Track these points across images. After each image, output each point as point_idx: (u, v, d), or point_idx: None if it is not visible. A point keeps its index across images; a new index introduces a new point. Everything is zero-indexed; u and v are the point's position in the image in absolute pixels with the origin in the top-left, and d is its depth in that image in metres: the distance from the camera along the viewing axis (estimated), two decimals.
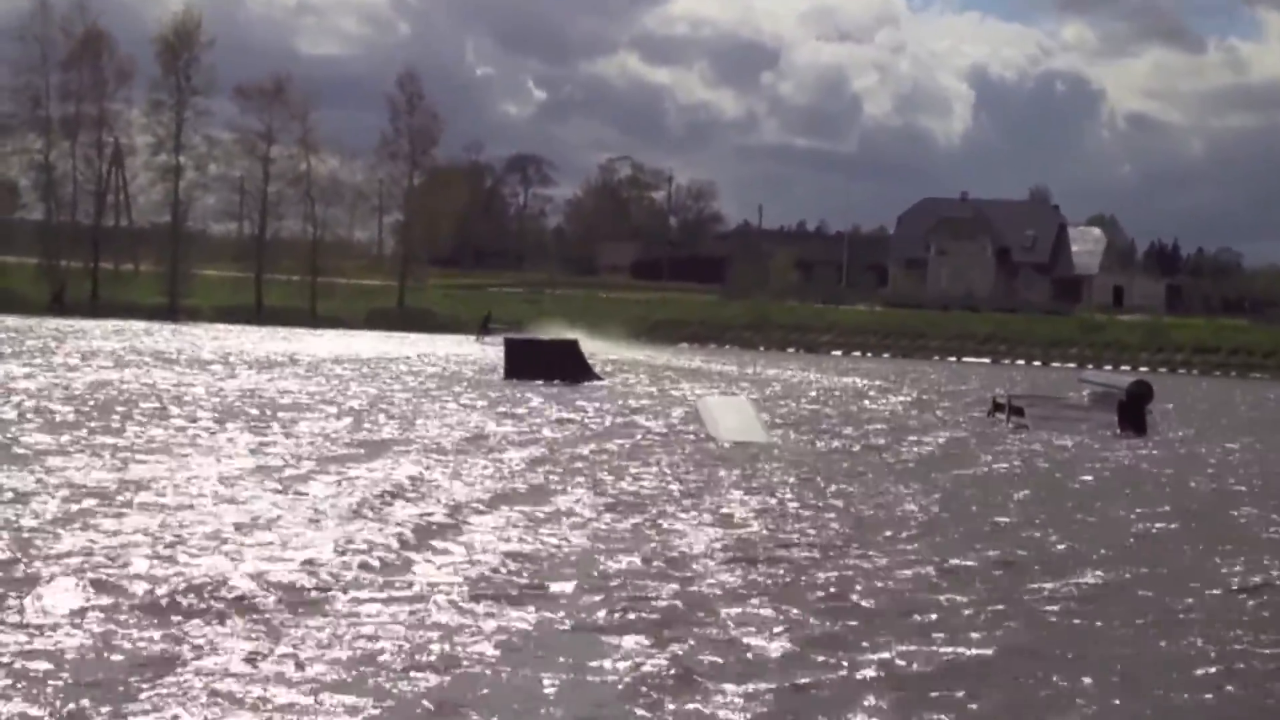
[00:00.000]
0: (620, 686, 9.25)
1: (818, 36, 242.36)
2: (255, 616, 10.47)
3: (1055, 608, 12.47)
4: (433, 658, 9.65)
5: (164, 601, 10.74)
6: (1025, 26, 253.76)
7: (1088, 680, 9.93)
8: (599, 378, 45.65)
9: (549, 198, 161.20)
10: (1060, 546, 15.93)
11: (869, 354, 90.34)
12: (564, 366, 44.20)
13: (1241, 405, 53.44)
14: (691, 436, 27.02)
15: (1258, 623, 12.29)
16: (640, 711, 8.82)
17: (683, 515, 16.88)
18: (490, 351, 59.72)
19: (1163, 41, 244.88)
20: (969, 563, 14.49)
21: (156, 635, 9.81)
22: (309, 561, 12.52)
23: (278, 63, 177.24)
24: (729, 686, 9.32)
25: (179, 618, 10.31)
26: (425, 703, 8.76)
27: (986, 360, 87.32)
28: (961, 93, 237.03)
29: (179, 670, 9.04)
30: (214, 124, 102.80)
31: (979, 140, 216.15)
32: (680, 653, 10.08)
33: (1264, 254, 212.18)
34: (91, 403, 27.84)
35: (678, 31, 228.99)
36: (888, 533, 16.26)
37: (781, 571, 13.49)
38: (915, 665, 10.13)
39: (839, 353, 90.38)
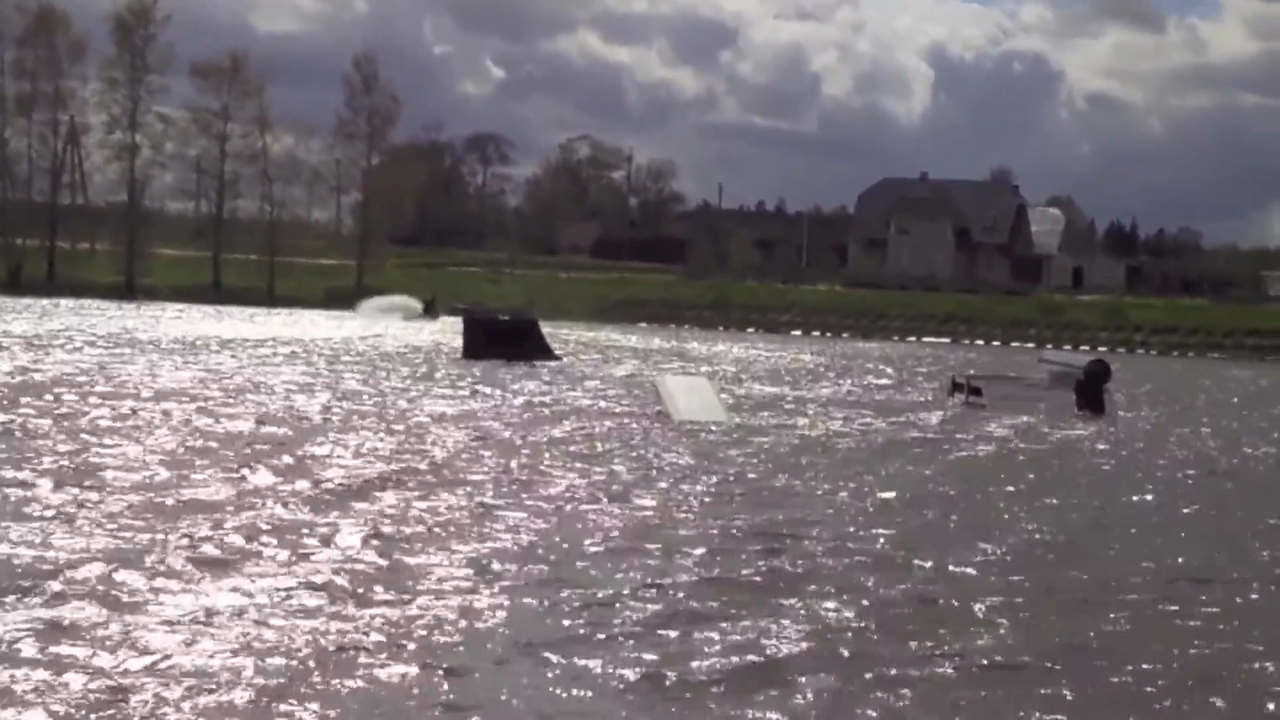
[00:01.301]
0: None
1: (776, 15, 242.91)
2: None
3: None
4: None
5: None
6: (984, 6, 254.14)
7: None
8: (558, 357, 45.54)
9: (508, 177, 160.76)
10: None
11: (829, 334, 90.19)
12: (523, 346, 44.09)
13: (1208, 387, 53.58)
14: (649, 417, 26.86)
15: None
16: None
17: (629, 497, 16.76)
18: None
19: (1122, 21, 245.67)
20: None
21: None
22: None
23: (234, 40, 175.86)
24: None
25: None
26: None
27: (946, 340, 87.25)
28: (921, 72, 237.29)
29: None
30: (170, 102, 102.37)
31: (939, 120, 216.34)
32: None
33: (1223, 234, 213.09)
34: None
35: (636, 9, 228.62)
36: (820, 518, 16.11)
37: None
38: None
39: (799, 333, 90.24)
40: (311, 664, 9.07)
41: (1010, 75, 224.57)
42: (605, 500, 16.36)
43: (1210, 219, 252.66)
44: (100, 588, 10.69)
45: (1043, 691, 9.29)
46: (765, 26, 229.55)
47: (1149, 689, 9.55)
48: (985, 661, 9.97)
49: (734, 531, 14.66)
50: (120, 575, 11.09)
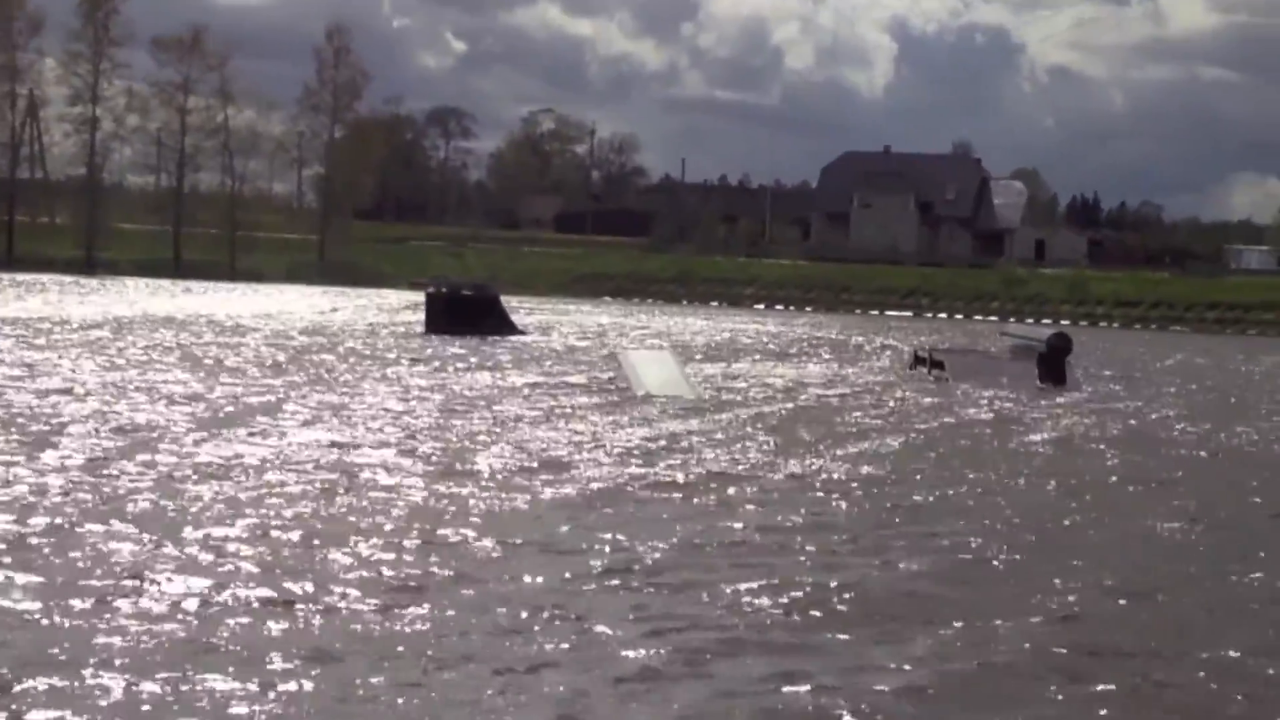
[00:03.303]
0: None
1: None
2: None
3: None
4: None
5: None
6: None
7: None
8: (522, 331, 45.44)
9: (470, 150, 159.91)
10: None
11: (792, 307, 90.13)
12: (485, 320, 43.97)
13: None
14: (612, 390, 26.78)
15: None
16: None
17: (589, 467, 16.71)
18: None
19: None
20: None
21: None
22: None
23: (192, 12, 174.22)
24: None
25: None
26: None
27: (909, 314, 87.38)
28: (883, 45, 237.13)
29: None
30: (130, 75, 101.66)
31: (901, 93, 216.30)
32: None
33: (1184, 207, 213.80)
34: None
35: None
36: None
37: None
38: None
39: (762, 306, 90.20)
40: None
41: (972, 48, 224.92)
42: (550, 473, 16.33)
43: (1172, 192, 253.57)
44: None
45: None
46: None
47: None
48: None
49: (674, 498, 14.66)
50: None
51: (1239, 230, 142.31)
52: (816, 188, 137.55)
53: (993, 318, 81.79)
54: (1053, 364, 33.03)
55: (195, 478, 14.69)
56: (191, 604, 9.77)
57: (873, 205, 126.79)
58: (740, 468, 17.48)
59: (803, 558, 12.28)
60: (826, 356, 42.52)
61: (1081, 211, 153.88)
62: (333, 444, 17.78)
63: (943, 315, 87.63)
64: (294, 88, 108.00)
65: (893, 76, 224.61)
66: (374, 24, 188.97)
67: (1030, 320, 76.09)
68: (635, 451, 18.43)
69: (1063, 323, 74.35)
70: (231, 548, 11.50)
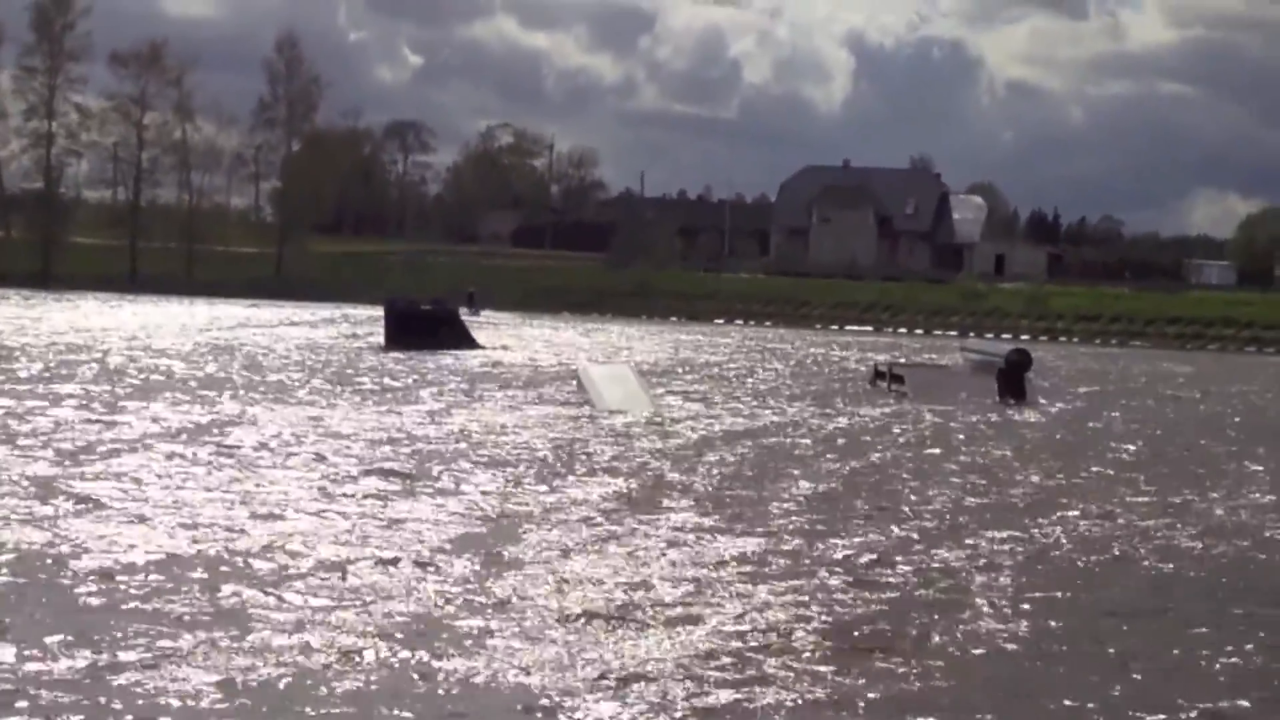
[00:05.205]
0: None
1: (694, 0, 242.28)
2: None
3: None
4: None
5: None
6: None
7: None
8: (481, 346, 45.34)
9: (428, 164, 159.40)
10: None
11: (752, 322, 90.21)
12: (445, 335, 44.00)
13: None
14: (572, 404, 26.63)
15: None
16: None
17: (549, 483, 16.49)
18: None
19: (1041, 7, 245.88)
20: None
21: None
22: None
23: (144, 25, 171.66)
24: None
25: None
26: None
27: (869, 328, 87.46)
28: (841, 59, 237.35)
29: None
30: (87, 89, 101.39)
31: (860, 107, 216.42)
32: None
33: (1144, 222, 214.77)
34: None
35: None
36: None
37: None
38: None
39: (721, 320, 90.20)
40: None
41: (930, 62, 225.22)
42: (522, 485, 16.13)
43: (1132, 207, 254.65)
44: None
45: None
46: (683, 12, 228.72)
47: None
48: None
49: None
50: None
51: (1199, 245, 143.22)
52: (776, 202, 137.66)
53: (952, 332, 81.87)
54: (1012, 380, 33.06)
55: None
56: None
57: (832, 219, 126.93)
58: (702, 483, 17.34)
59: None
60: (784, 370, 42.44)
61: (1041, 226, 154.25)
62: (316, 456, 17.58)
63: (902, 330, 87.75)
64: (250, 101, 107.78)
65: (851, 90, 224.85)
66: (329, 37, 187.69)
67: (990, 335, 76.09)
68: (594, 460, 18.27)
69: (1022, 337, 74.57)
70: None
